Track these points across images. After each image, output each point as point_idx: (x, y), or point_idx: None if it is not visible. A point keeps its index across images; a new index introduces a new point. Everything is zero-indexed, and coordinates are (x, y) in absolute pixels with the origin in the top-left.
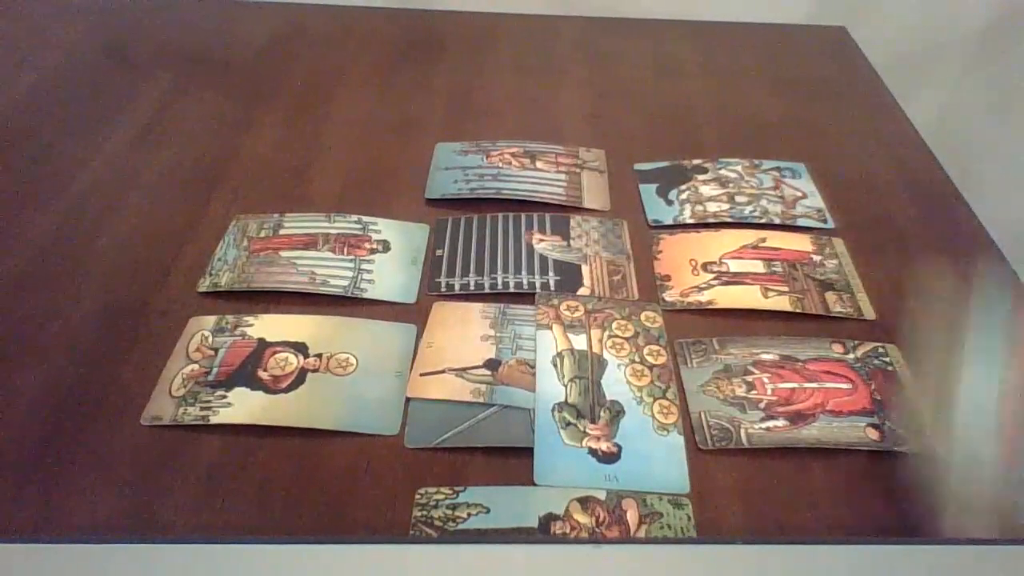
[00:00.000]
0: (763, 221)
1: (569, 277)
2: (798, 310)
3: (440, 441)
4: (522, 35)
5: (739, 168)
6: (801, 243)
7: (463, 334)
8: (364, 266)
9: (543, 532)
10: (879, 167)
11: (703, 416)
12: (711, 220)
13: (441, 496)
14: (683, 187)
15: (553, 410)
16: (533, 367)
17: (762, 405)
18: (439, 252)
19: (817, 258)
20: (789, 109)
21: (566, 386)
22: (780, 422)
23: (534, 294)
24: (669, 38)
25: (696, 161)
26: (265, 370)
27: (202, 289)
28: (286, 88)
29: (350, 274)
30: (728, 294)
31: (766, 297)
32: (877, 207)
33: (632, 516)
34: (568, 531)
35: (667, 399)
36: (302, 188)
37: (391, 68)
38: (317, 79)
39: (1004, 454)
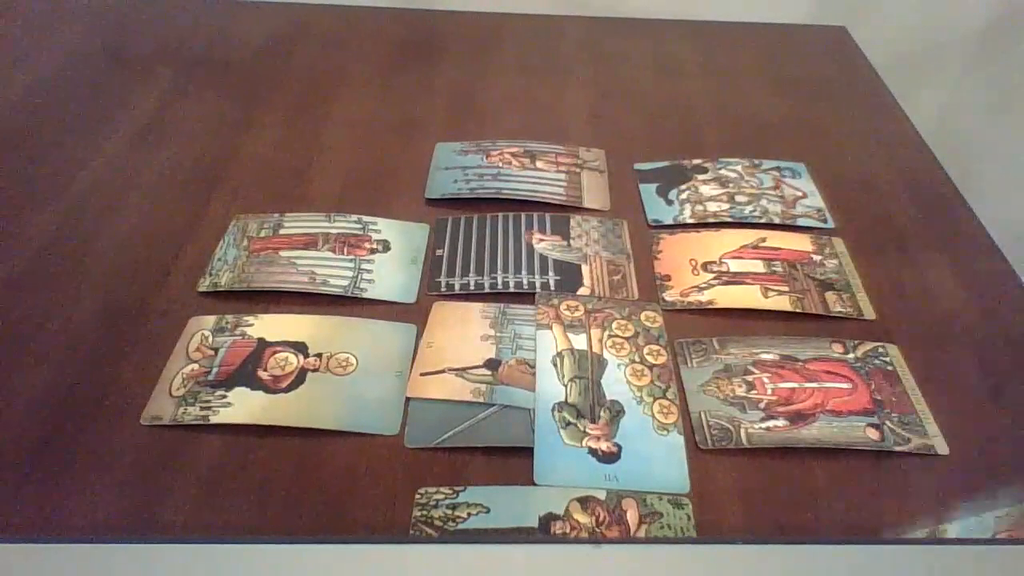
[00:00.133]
0: (763, 221)
1: (569, 277)
2: (798, 310)
3: (440, 441)
4: (522, 35)
5: (739, 168)
6: (801, 243)
7: (463, 334)
8: (364, 266)
9: (543, 532)
10: (879, 167)
11: (703, 416)
12: (711, 220)
13: (441, 496)
14: (683, 187)
15: (553, 410)
16: (533, 367)
17: (762, 405)
18: (439, 252)
19: (817, 258)
20: (789, 109)
21: (566, 386)
22: (780, 422)
23: (534, 294)
24: (669, 38)
25: (696, 161)
26: (265, 370)
27: (202, 289)
28: (286, 88)
29: (350, 274)
30: (728, 294)
31: (766, 297)
32: (877, 207)
33: (632, 516)
34: (568, 531)
35: (667, 399)
36: (302, 188)
37: (392, 68)
38: (317, 79)
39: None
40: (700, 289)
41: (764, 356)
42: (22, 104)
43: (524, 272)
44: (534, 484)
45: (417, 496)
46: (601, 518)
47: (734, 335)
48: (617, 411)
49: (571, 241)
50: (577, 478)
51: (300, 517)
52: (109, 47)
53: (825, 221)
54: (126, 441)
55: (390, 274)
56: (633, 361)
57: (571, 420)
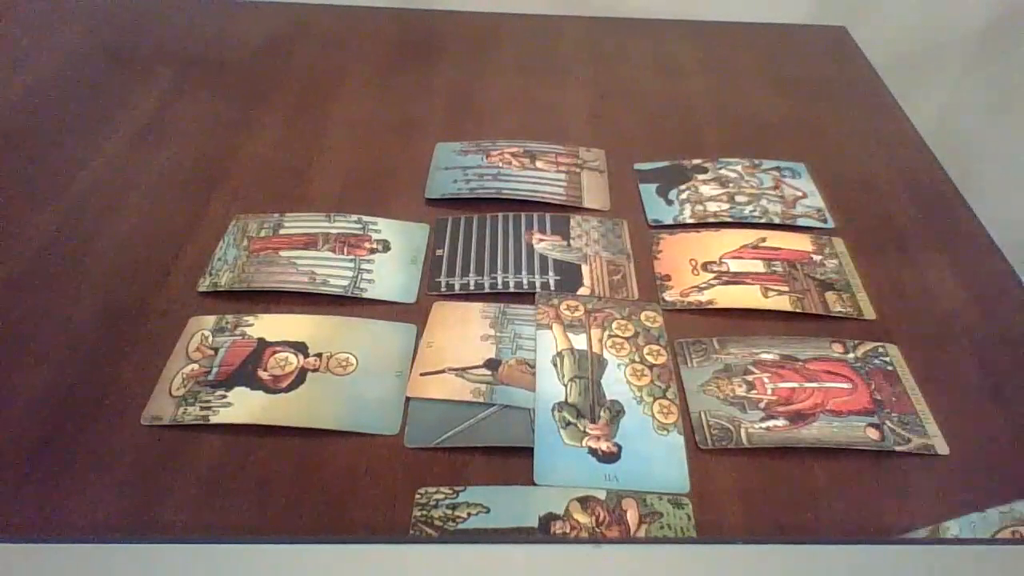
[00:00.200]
0: (763, 221)
1: (569, 277)
2: (798, 310)
3: (440, 441)
4: (522, 35)
5: (739, 168)
6: (801, 243)
7: (463, 334)
8: (364, 266)
9: (543, 532)
10: (879, 167)
11: (703, 416)
12: (711, 220)
13: (441, 496)
14: (683, 187)
15: (553, 410)
16: (533, 367)
17: (762, 405)
18: (439, 252)
19: (817, 258)
20: (789, 109)
21: (566, 386)
22: (780, 422)
23: (534, 294)
24: (669, 38)
25: (696, 161)
26: (265, 370)
27: (202, 289)
28: (286, 88)
29: (350, 274)
30: (728, 294)
31: (766, 297)
32: (877, 207)
33: (632, 516)
34: (568, 531)
35: (667, 399)
36: (302, 188)
37: (391, 68)
38: (317, 79)
39: None
40: (700, 289)
41: (764, 356)
42: (22, 104)
43: (524, 272)
44: (534, 484)
45: (417, 496)
46: (601, 518)
47: (734, 335)
48: (617, 411)
49: (571, 241)
50: (577, 478)
51: (300, 517)
52: (109, 47)
53: (825, 221)
54: (126, 441)
55: (390, 274)
56: (633, 361)
57: (571, 420)
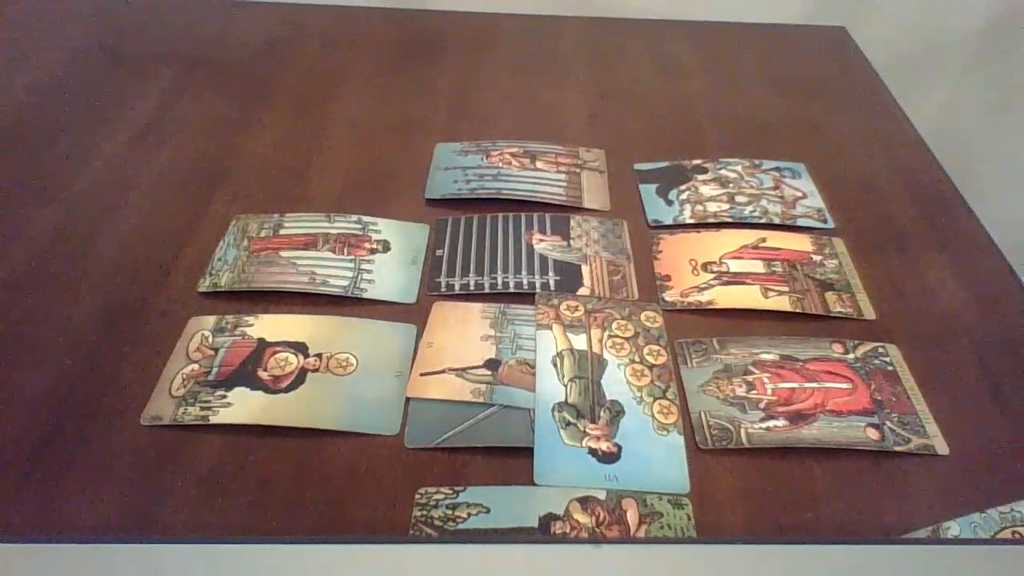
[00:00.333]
0: (763, 221)
1: (569, 277)
2: (798, 310)
3: (440, 441)
4: (522, 35)
5: (739, 168)
6: (801, 243)
7: (463, 334)
8: (364, 266)
9: (543, 532)
10: (879, 167)
11: (703, 416)
12: (711, 220)
13: (441, 496)
14: (683, 187)
15: (553, 410)
16: (533, 367)
17: (762, 405)
18: (439, 252)
19: (817, 258)
20: (789, 109)
21: (566, 386)
22: (780, 422)
23: (534, 294)
24: (669, 38)
25: (696, 161)
26: (265, 370)
27: (202, 289)
28: (286, 88)
29: (350, 274)
30: (728, 294)
31: (766, 297)
32: (877, 207)
33: (632, 516)
34: (568, 531)
35: (667, 399)
36: (302, 188)
37: (391, 68)
38: (317, 79)
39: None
40: (700, 289)
41: (764, 356)
42: (22, 104)
43: (524, 272)
44: (534, 484)
45: (417, 496)
46: (601, 518)
47: (734, 335)
48: (617, 411)
49: (571, 241)
50: (577, 478)
51: (300, 517)
52: (109, 47)
53: (825, 221)
54: (126, 441)
55: (390, 274)
56: (633, 361)
57: (571, 420)
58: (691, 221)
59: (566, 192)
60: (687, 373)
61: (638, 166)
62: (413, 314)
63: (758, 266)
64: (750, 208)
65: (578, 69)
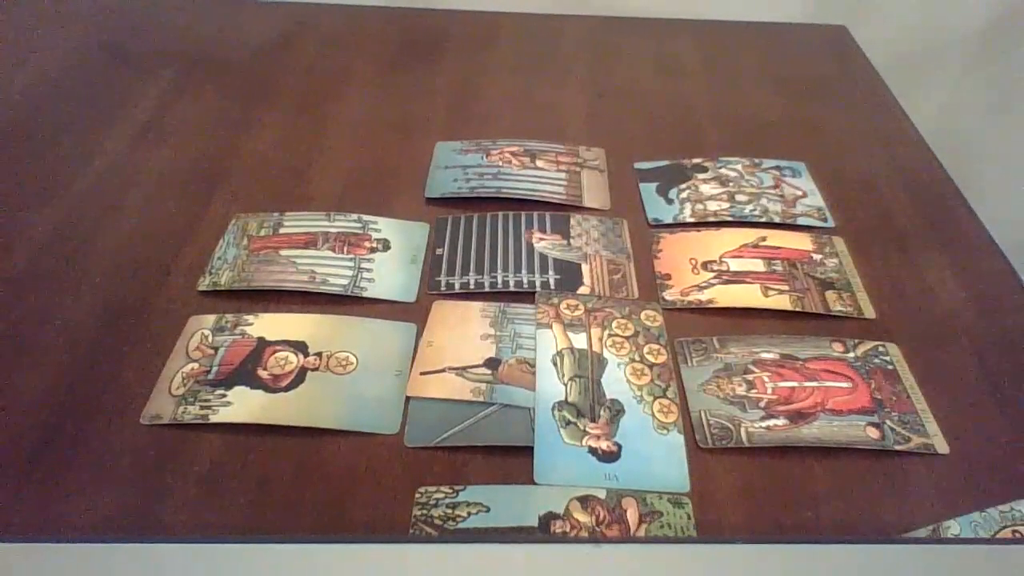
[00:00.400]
0: (763, 220)
1: (569, 276)
2: (798, 309)
3: (440, 440)
4: (522, 34)
5: (739, 167)
6: (801, 242)
7: (463, 333)
8: (364, 265)
9: (543, 531)
10: (879, 167)
11: (703, 415)
12: (711, 219)
13: (441, 495)
14: (683, 186)
15: (553, 409)
16: (533, 366)
17: (762, 404)
18: (439, 251)
19: (817, 257)
20: (789, 108)
21: (566, 385)
22: (780, 421)
23: (534, 293)
24: (669, 37)
25: (696, 160)
26: (265, 369)
27: (202, 288)
28: (286, 88)
29: (350, 273)
30: (728, 293)
31: (766, 296)
32: (877, 207)
33: (632, 515)
34: (568, 530)
35: (667, 398)
36: (302, 187)
37: (391, 67)
38: (317, 79)
39: None
40: (700, 288)
41: (764, 355)
42: (22, 103)
43: (524, 271)
44: (534, 483)
45: (417, 495)
46: (601, 517)
47: (734, 334)
48: (617, 410)
49: (571, 240)
50: (577, 477)
51: (300, 516)
52: (109, 46)
53: (825, 220)
54: (126, 441)
55: (390, 273)
56: (633, 360)
57: (571, 419)
58: (691, 220)
59: (566, 191)
60: (687, 372)
61: (638, 165)
62: (413, 313)
63: (758, 265)
64: (750, 207)
65: (578, 68)
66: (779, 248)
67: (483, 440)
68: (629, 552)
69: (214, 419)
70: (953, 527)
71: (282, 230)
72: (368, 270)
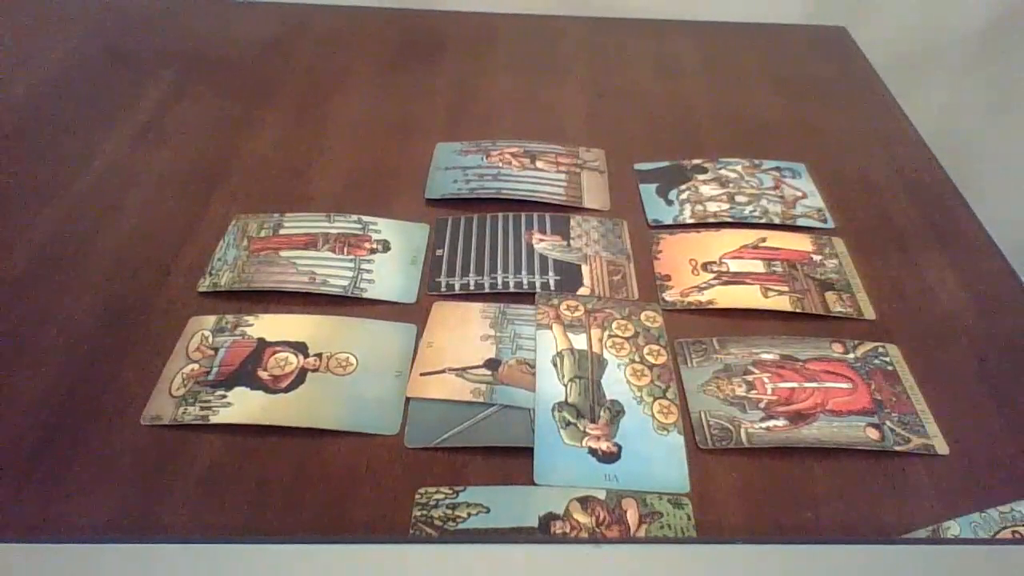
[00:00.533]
0: (763, 221)
1: (569, 277)
2: (798, 310)
3: (440, 441)
4: (522, 35)
5: (739, 168)
6: (801, 243)
7: (463, 334)
8: (364, 266)
9: (543, 532)
10: (879, 167)
11: (703, 416)
12: (711, 220)
13: (441, 496)
14: (683, 187)
15: (553, 410)
16: (533, 367)
17: (762, 405)
18: (439, 252)
19: (817, 258)
20: (789, 109)
21: (566, 386)
22: (780, 422)
23: (534, 294)
24: (669, 38)
25: (696, 161)
26: (265, 370)
27: (202, 289)
28: (286, 88)
29: (350, 274)
30: (728, 294)
31: (766, 297)
32: (877, 207)
33: (632, 516)
34: (568, 531)
35: (667, 399)
36: (302, 188)
37: (391, 68)
38: (317, 79)
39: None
40: (700, 289)
41: (764, 356)
42: (23, 104)
43: (524, 272)
44: (534, 484)
45: (417, 496)
46: (601, 518)
47: (734, 335)
48: (617, 411)
49: (571, 241)
50: (577, 478)
51: (300, 517)
52: (109, 47)
53: (825, 221)
54: (126, 441)
55: (390, 274)
56: (633, 361)
57: (571, 420)
58: (691, 221)
59: (566, 192)
60: (687, 373)
61: (638, 166)
62: (413, 314)
63: (758, 266)
64: (750, 208)
65: (578, 69)
66: (779, 249)
67: (483, 441)
68: (629, 553)
69: (214, 420)
70: (953, 528)
71: (282, 231)
72: (368, 271)
